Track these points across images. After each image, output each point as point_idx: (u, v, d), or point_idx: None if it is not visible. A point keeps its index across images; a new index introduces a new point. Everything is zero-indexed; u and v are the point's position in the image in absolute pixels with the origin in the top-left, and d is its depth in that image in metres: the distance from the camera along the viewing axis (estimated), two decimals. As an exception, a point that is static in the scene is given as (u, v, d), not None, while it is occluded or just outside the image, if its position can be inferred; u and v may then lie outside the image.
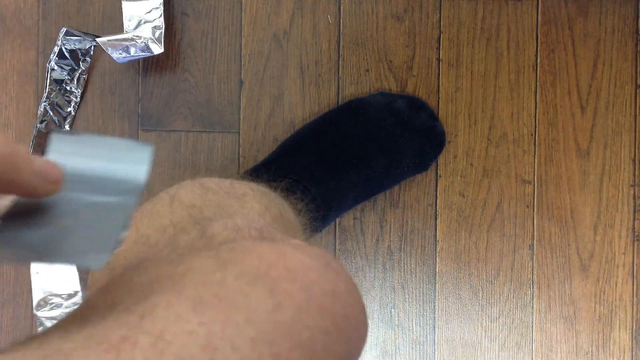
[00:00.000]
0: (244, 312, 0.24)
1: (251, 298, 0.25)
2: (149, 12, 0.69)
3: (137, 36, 0.67)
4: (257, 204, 0.36)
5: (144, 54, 0.68)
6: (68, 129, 0.73)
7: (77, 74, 0.71)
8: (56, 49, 0.68)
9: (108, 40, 0.66)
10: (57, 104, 0.72)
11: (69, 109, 0.72)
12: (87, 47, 0.70)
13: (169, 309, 0.24)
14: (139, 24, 0.69)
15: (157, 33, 0.68)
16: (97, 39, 0.66)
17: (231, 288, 0.25)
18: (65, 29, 0.67)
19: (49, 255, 0.23)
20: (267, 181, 0.62)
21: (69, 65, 0.71)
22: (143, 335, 0.22)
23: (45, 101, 0.71)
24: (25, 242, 0.23)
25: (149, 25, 0.69)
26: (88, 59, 0.71)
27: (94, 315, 0.25)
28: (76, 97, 0.72)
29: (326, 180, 0.65)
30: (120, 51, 0.67)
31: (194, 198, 0.35)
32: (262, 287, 0.25)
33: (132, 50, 0.67)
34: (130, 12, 0.69)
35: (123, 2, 0.70)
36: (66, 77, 0.71)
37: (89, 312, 0.25)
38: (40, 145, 0.72)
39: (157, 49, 0.68)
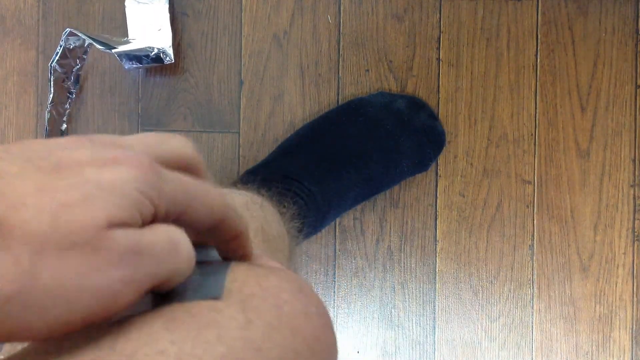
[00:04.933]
0: (214, 329, 0.24)
1: (223, 314, 0.25)
2: (154, 18, 0.70)
3: (149, 47, 0.68)
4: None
5: (155, 64, 0.69)
6: (65, 125, 0.73)
7: (75, 71, 0.71)
8: (59, 50, 0.68)
9: (123, 52, 0.67)
10: (57, 102, 0.72)
11: (66, 106, 0.72)
12: (85, 45, 0.70)
13: (142, 329, 0.24)
14: (144, 30, 0.69)
15: (169, 44, 0.69)
16: (113, 50, 0.66)
17: (204, 304, 0.25)
18: (68, 30, 0.67)
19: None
20: (265, 181, 0.63)
21: (68, 64, 0.71)
22: (115, 356, 0.22)
23: (52, 103, 0.71)
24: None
25: (157, 33, 0.69)
26: (85, 56, 0.71)
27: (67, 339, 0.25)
28: (72, 94, 0.72)
29: (326, 179, 0.65)
30: (133, 61, 0.68)
31: None
32: (235, 303, 0.25)
33: (144, 61, 0.68)
34: (134, 18, 0.70)
35: (127, 6, 0.70)
36: (64, 76, 0.71)
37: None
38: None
39: (168, 60, 0.69)
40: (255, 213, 0.39)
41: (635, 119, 0.72)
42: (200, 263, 0.28)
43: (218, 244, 0.28)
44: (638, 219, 0.72)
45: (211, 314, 0.25)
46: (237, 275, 0.27)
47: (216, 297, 0.25)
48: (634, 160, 0.72)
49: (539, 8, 0.72)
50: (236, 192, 0.42)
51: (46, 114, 0.71)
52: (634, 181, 0.72)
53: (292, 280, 0.28)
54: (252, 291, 0.26)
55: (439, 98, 0.72)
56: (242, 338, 0.24)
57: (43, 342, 0.24)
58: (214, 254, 0.30)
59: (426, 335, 0.72)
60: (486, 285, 0.72)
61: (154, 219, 0.23)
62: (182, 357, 0.23)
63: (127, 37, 0.70)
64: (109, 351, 0.23)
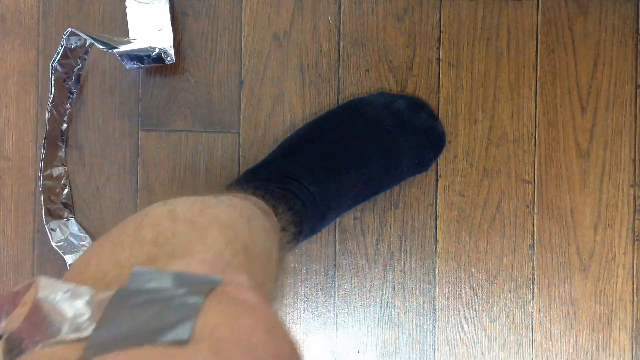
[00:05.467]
0: None
1: (197, 358, 0.25)
2: (155, 18, 0.70)
3: (151, 47, 0.68)
4: (219, 236, 0.36)
5: (156, 64, 0.69)
6: (66, 125, 0.73)
7: (75, 71, 0.71)
8: (60, 50, 0.68)
9: (125, 52, 0.67)
10: (57, 102, 0.72)
11: (66, 106, 0.72)
12: (86, 44, 0.70)
13: None
14: (145, 30, 0.69)
15: (170, 44, 0.69)
16: (115, 50, 0.66)
17: (175, 348, 0.25)
18: (69, 30, 0.67)
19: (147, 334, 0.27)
20: (265, 181, 0.63)
21: (69, 64, 0.71)
22: None
23: (52, 103, 0.71)
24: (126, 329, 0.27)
25: (158, 33, 0.69)
26: (86, 56, 0.71)
27: None
28: (73, 94, 0.72)
29: (326, 180, 0.65)
30: (135, 61, 0.68)
31: (159, 233, 0.35)
32: (206, 349, 0.26)
33: (146, 61, 0.68)
34: (135, 17, 0.70)
35: (127, 6, 0.70)
36: (65, 76, 0.71)
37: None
38: (48, 150, 0.72)
39: (169, 60, 0.69)
40: (239, 231, 0.38)
41: (635, 119, 0.72)
42: (172, 295, 0.28)
43: None
44: (638, 219, 0.72)
45: (187, 357, 0.25)
46: (209, 318, 0.27)
47: (184, 342, 0.26)
48: (634, 160, 0.72)
49: (539, 8, 0.72)
50: (226, 205, 0.42)
51: (46, 113, 0.71)
52: (634, 181, 0.72)
53: (264, 319, 0.29)
54: (224, 335, 0.26)
55: (439, 98, 0.72)
56: None
57: None
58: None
59: (426, 335, 0.72)
60: (486, 285, 0.72)
61: None
62: None
63: (128, 37, 0.70)
64: None
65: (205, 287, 0.29)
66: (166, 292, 0.28)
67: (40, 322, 0.27)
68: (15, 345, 0.27)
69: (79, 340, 0.27)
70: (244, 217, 0.41)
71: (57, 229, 0.72)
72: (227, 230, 0.37)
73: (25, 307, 0.28)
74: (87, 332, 0.27)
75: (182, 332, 0.26)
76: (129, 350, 0.25)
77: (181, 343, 0.25)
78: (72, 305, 0.28)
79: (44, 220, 0.72)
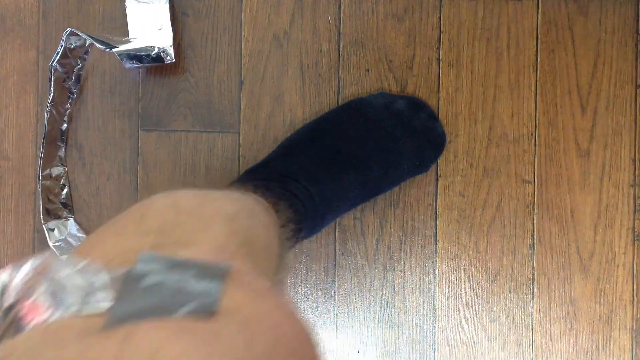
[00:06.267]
0: (223, 342, 0.24)
1: (224, 333, 0.25)
2: (155, 18, 0.70)
3: (150, 47, 0.68)
4: (223, 227, 0.36)
5: (155, 63, 0.69)
6: (66, 125, 0.73)
7: (76, 71, 0.71)
8: (60, 49, 0.68)
9: (124, 51, 0.67)
10: (57, 101, 0.72)
11: (66, 106, 0.72)
12: (86, 44, 0.70)
13: (155, 332, 0.24)
14: (145, 30, 0.69)
15: (169, 43, 0.68)
16: (114, 50, 0.66)
17: (203, 321, 0.25)
18: (69, 29, 0.67)
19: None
20: (264, 180, 0.63)
21: (69, 64, 0.71)
22: (137, 353, 0.23)
23: (51, 103, 0.71)
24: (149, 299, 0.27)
25: (157, 32, 0.69)
26: (86, 56, 0.71)
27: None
28: (73, 94, 0.72)
29: (325, 180, 0.65)
30: (134, 61, 0.68)
31: (163, 221, 0.35)
32: (236, 324, 0.26)
33: (145, 60, 0.68)
34: (135, 17, 0.70)
35: (127, 6, 0.70)
36: (65, 75, 0.71)
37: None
38: (48, 150, 0.72)
39: (169, 59, 0.69)
40: (242, 224, 0.38)
41: (635, 119, 0.72)
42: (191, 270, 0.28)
43: None
44: (638, 219, 0.72)
45: (216, 329, 0.25)
46: (233, 296, 0.27)
47: (211, 313, 0.26)
48: (634, 160, 0.72)
49: (539, 8, 0.72)
50: (229, 198, 0.42)
51: (46, 113, 0.71)
52: (634, 181, 0.72)
53: (283, 301, 0.29)
54: (249, 312, 0.27)
55: (439, 98, 0.72)
56: (248, 354, 0.24)
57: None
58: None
59: (426, 335, 0.72)
60: (486, 285, 0.72)
61: None
62: None
63: (128, 36, 0.70)
64: (130, 344, 0.23)
65: (218, 271, 0.29)
66: (180, 274, 0.28)
67: (55, 295, 0.27)
68: (17, 319, 0.27)
69: (96, 314, 0.26)
70: (246, 210, 0.41)
71: (56, 229, 0.72)
72: (231, 222, 0.37)
73: (40, 277, 0.28)
74: (105, 306, 0.27)
75: (208, 303, 0.26)
76: (155, 320, 0.25)
77: (209, 314, 0.25)
78: (86, 280, 0.28)
79: (42, 219, 0.72)
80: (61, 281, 0.28)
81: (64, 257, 0.29)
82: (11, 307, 0.28)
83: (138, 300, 0.27)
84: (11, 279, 0.29)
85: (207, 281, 0.28)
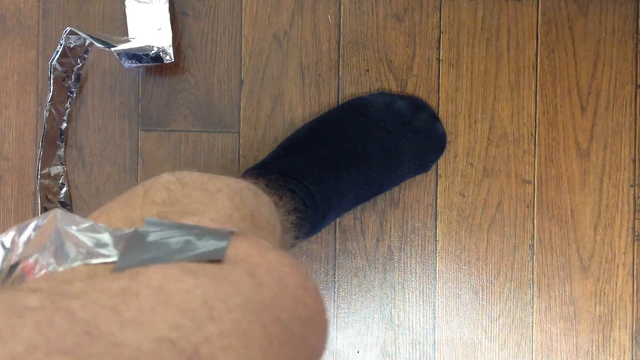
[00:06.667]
0: (230, 284, 0.25)
1: (233, 275, 0.26)
2: (154, 17, 0.70)
3: (149, 46, 0.68)
4: (228, 201, 0.37)
5: (154, 63, 0.69)
6: (65, 125, 0.73)
7: (75, 70, 0.71)
8: (59, 48, 0.68)
9: (123, 50, 0.67)
10: (57, 101, 0.72)
11: (66, 105, 0.72)
12: (86, 44, 0.70)
13: (161, 272, 0.24)
14: (144, 29, 0.69)
15: (169, 43, 0.68)
16: (113, 49, 0.66)
17: (211, 264, 0.26)
18: (69, 29, 0.67)
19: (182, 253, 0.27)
20: (264, 178, 0.63)
21: (68, 63, 0.71)
22: (144, 287, 0.23)
23: (51, 102, 0.71)
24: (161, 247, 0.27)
25: (157, 32, 0.69)
26: (86, 55, 0.71)
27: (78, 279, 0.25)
28: (73, 93, 0.72)
29: (326, 179, 0.65)
30: (133, 60, 0.68)
31: (167, 195, 0.36)
32: (242, 270, 0.26)
33: (144, 60, 0.68)
34: (134, 17, 0.70)
35: (127, 6, 0.70)
36: (65, 74, 0.71)
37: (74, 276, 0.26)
38: (47, 149, 0.72)
39: (168, 59, 0.69)
40: (246, 200, 0.39)
41: (635, 119, 0.72)
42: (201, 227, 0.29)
43: None
44: (638, 219, 0.72)
45: (222, 272, 0.25)
46: (240, 246, 0.28)
47: (218, 259, 0.26)
48: (634, 160, 0.72)
49: (539, 8, 0.72)
50: (233, 179, 0.42)
51: (45, 112, 0.71)
52: (634, 181, 0.72)
53: (288, 257, 0.29)
54: (256, 261, 0.27)
55: (439, 98, 0.72)
56: (256, 296, 0.25)
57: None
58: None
59: (426, 335, 0.72)
60: (486, 285, 0.72)
61: None
62: (208, 299, 0.23)
63: (127, 36, 0.70)
64: (136, 283, 0.24)
65: (224, 232, 0.29)
66: (186, 231, 0.29)
67: (61, 249, 0.27)
68: (21, 275, 0.27)
69: (104, 264, 0.27)
70: (250, 190, 0.42)
71: None
72: (236, 197, 0.38)
73: (44, 235, 0.28)
74: (113, 257, 0.27)
75: (216, 251, 0.26)
76: (165, 264, 0.25)
77: (217, 259, 0.26)
78: (91, 237, 0.28)
79: (42, 219, 0.72)
80: (65, 238, 0.28)
81: (69, 215, 0.29)
82: (16, 265, 0.28)
83: (144, 253, 0.27)
84: (16, 238, 0.29)
85: (213, 238, 0.28)
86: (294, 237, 0.60)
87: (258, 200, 0.41)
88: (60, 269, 0.27)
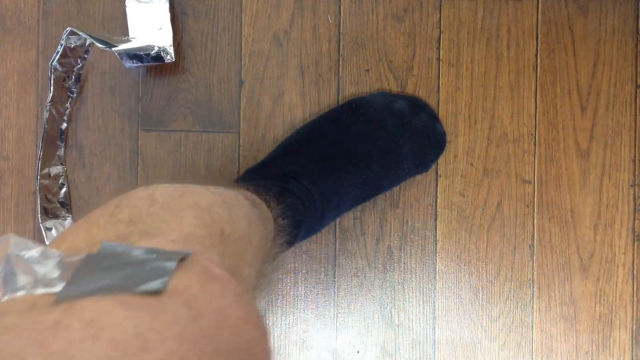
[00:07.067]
0: (166, 315, 0.25)
1: (171, 306, 0.26)
2: (155, 17, 0.70)
3: (150, 46, 0.68)
4: (194, 219, 0.37)
5: (155, 62, 0.69)
6: (65, 125, 0.73)
7: (76, 70, 0.71)
8: (59, 49, 0.68)
9: (124, 50, 0.67)
10: (57, 101, 0.72)
11: (66, 105, 0.72)
12: (87, 44, 0.70)
13: (96, 304, 0.24)
14: (145, 29, 0.69)
15: (170, 43, 0.68)
16: (114, 49, 0.66)
17: (149, 297, 0.26)
18: (69, 29, 0.67)
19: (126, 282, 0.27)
20: (264, 179, 0.63)
21: (69, 63, 0.71)
22: (75, 320, 0.23)
23: (51, 102, 0.71)
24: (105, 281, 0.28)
25: (157, 32, 0.69)
26: (86, 55, 0.71)
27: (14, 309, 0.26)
28: (73, 93, 0.72)
29: (326, 179, 0.65)
30: (134, 60, 0.68)
31: (135, 212, 0.36)
32: (181, 301, 0.26)
33: (145, 60, 0.68)
34: (135, 17, 0.70)
35: (127, 6, 0.70)
36: (65, 75, 0.71)
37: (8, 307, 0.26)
38: (47, 149, 0.72)
39: (169, 59, 0.69)
40: (216, 216, 0.39)
41: (635, 119, 0.72)
42: (150, 254, 0.29)
43: None
44: (638, 219, 0.72)
45: (159, 304, 0.26)
46: (183, 276, 0.28)
47: (158, 292, 0.26)
48: (634, 160, 0.72)
49: (539, 8, 0.72)
50: (208, 191, 0.42)
51: (45, 112, 0.71)
52: (634, 181, 0.72)
53: (233, 288, 0.30)
54: (196, 292, 0.27)
55: (439, 98, 0.72)
56: (194, 326, 0.25)
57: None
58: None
59: (426, 335, 0.72)
60: (486, 285, 0.72)
61: None
62: (141, 330, 0.23)
63: (128, 36, 0.70)
64: (68, 315, 0.24)
65: (175, 256, 0.30)
66: (137, 258, 0.29)
67: (9, 277, 0.27)
68: None
69: (49, 294, 0.27)
70: (225, 203, 0.42)
71: (53, 228, 0.72)
72: (204, 213, 0.38)
73: None
74: (57, 288, 0.27)
75: (156, 285, 0.27)
76: (102, 296, 0.25)
77: (155, 293, 0.26)
78: (42, 264, 0.28)
79: (40, 218, 0.72)
80: (15, 265, 0.28)
81: (22, 240, 0.30)
82: None
83: (90, 282, 0.27)
84: None
85: (161, 264, 0.28)
86: (287, 241, 0.60)
87: (232, 214, 0.41)
88: (5, 298, 0.27)
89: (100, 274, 0.28)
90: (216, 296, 0.28)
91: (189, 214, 0.37)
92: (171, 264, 0.28)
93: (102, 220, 0.35)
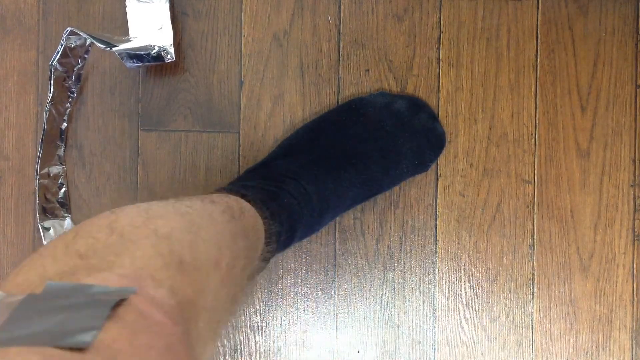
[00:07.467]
0: None
1: None
2: (155, 17, 0.70)
3: (150, 45, 0.68)
4: (151, 249, 0.36)
5: (156, 62, 0.69)
6: (65, 125, 0.73)
7: (76, 70, 0.71)
8: (60, 48, 0.68)
9: (124, 50, 0.67)
10: (57, 101, 0.72)
11: (66, 105, 0.72)
12: (87, 44, 0.70)
13: (20, 357, 0.25)
14: (145, 29, 0.69)
15: (170, 42, 0.68)
16: (114, 49, 0.66)
17: (73, 354, 0.26)
18: (69, 29, 0.67)
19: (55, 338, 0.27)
20: (263, 179, 0.63)
21: (69, 63, 0.71)
22: None
23: (51, 102, 0.71)
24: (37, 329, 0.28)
25: (158, 31, 0.69)
26: (86, 55, 0.71)
27: None
28: (73, 93, 0.72)
29: (324, 179, 0.65)
30: (135, 60, 0.68)
31: (93, 243, 0.36)
32: (104, 357, 0.27)
33: (145, 59, 0.68)
34: (135, 17, 0.70)
35: (127, 6, 0.70)
36: (65, 75, 0.71)
37: None
38: (47, 149, 0.72)
39: (170, 58, 0.68)
40: (178, 243, 0.38)
41: (635, 119, 0.72)
42: (82, 302, 0.29)
43: None
44: (638, 219, 0.72)
45: None
46: (110, 330, 0.28)
47: (83, 347, 0.27)
48: (634, 160, 0.72)
49: (539, 8, 0.72)
50: (180, 212, 0.41)
51: (45, 112, 0.71)
52: (634, 181, 0.72)
53: (165, 337, 0.30)
54: (121, 347, 0.28)
55: (439, 98, 0.72)
56: None
57: None
58: (98, 289, 0.31)
59: (426, 335, 0.72)
60: (486, 285, 0.72)
61: None
62: None
63: (128, 36, 0.70)
64: None
65: (115, 298, 0.30)
66: (75, 302, 0.29)
67: None
68: None
69: None
70: (192, 226, 0.41)
71: (51, 228, 0.72)
72: (162, 243, 0.37)
73: None
74: None
75: (84, 338, 0.27)
76: (25, 347, 0.25)
77: (81, 348, 0.26)
78: None
79: (38, 218, 0.72)
80: None
81: None
82: None
83: (26, 327, 0.27)
84: None
85: (96, 312, 0.28)
86: (282, 242, 0.60)
87: (198, 238, 0.40)
88: None
89: (36, 318, 0.28)
90: (142, 350, 0.28)
91: (146, 244, 0.36)
92: (104, 311, 0.28)
93: (58, 252, 0.35)
